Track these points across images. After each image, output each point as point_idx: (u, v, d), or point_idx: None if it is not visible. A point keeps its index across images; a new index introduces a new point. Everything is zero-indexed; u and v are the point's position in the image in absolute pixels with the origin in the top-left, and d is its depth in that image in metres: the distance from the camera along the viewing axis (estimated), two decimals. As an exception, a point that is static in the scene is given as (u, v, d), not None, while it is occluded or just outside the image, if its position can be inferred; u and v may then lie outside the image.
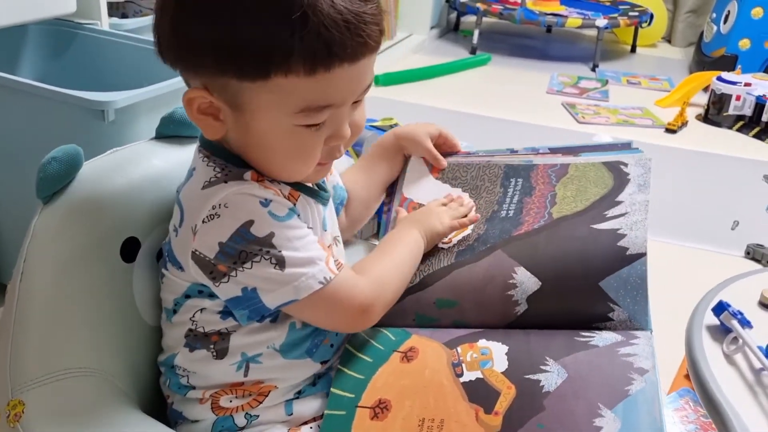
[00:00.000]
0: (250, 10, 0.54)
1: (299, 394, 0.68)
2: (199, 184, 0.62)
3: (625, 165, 0.77)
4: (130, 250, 0.69)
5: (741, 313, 0.75)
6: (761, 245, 1.62)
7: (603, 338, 0.65)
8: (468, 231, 0.77)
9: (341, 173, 0.84)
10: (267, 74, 0.55)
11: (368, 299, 0.65)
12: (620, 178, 0.76)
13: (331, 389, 0.66)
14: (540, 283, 0.68)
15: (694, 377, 0.71)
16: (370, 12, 0.57)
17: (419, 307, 0.71)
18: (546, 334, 0.66)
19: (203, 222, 0.60)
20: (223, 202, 0.60)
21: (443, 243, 0.77)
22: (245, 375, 0.66)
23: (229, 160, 0.63)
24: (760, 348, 0.72)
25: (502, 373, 0.63)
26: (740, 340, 0.73)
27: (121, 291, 0.68)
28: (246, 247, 0.59)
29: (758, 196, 1.98)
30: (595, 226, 0.70)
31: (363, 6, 0.56)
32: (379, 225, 0.86)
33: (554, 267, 0.69)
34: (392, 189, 0.87)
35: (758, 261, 1.60)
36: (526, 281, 0.68)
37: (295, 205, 0.63)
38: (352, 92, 0.60)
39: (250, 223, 0.59)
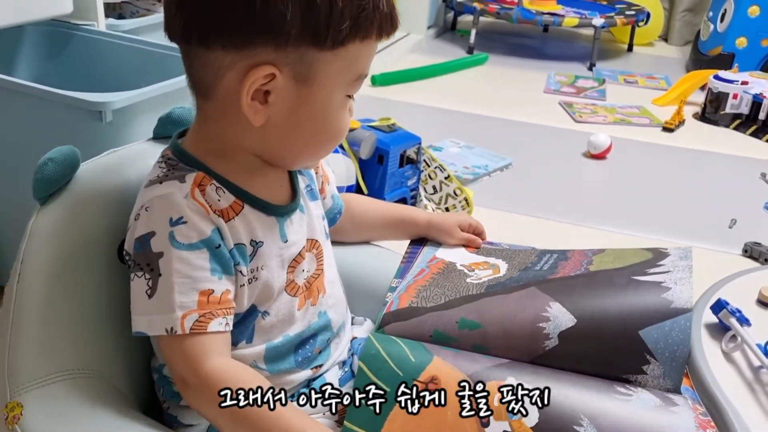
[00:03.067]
0: None
1: (292, 398, 0.68)
2: (145, 182, 0.63)
3: (665, 249, 0.75)
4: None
5: (740, 311, 0.76)
6: (759, 243, 1.62)
7: (641, 399, 0.61)
8: (500, 273, 0.75)
9: (339, 188, 0.85)
10: (348, 41, 0.59)
11: (189, 384, 0.60)
12: (661, 255, 0.73)
13: (345, 422, 0.61)
14: (575, 320, 0.64)
15: (693, 375, 0.71)
16: None
17: (440, 323, 0.67)
18: (579, 382, 0.62)
19: (134, 220, 0.62)
20: (147, 205, 0.61)
21: (472, 279, 0.74)
22: None
23: (185, 160, 0.63)
24: (758, 346, 0.72)
25: (532, 428, 0.58)
26: (739, 338, 0.73)
27: (118, 292, 0.67)
28: (138, 256, 0.61)
29: (755, 194, 1.98)
30: (636, 278, 0.67)
31: None
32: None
33: (592, 307, 0.65)
34: (416, 244, 0.86)
35: (756, 259, 1.60)
36: (560, 316, 0.64)
37: (229, 220, 0.62)
38: None
39: (153, 234, 0.60)
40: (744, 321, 0.75)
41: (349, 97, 0.65)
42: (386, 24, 0.63)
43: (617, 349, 0.63)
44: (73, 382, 0.62)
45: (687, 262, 0.69)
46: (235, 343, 0.64)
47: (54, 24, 1.28)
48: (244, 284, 0.63)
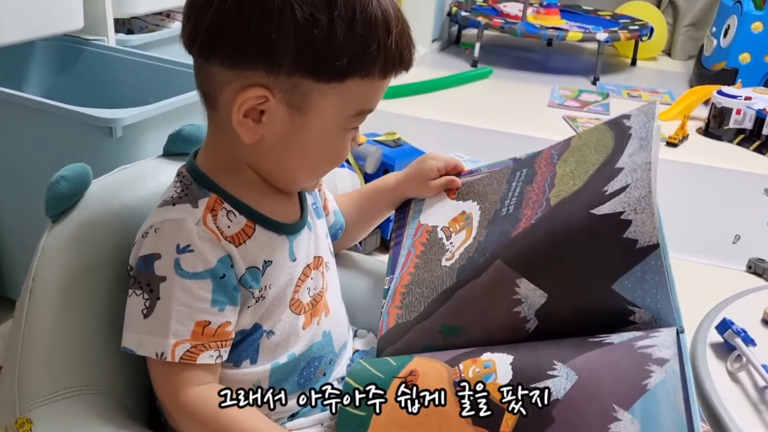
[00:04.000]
0: (344, 16, 0.56)
1: (294, 416, 0.68)
2: (159, 201, 0.64)
3: (628, 118, 0.68)
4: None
5: (744, 331, 0.76)
6: (763, 260, 1.63)
7: (619, 336, 0.58)
8: (470, 240, 0.73)
9: (336, 197, 0.84)
10: (346, 77, 0.58)
11: (169, 410, 0.63)
12: (621, 137, 0.66)
13: None
14: (546, 295, 0.61)
15: (699, 395, 0.71)
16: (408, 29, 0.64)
17: (426, 337, 0.67)
18: (558, 341, 0.60)
19: (141, 236, 0.62)
20: (157, 226, 0.61)
21: (446, 260, 0.73)
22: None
23: (199, 180, 0.64)
24: (764, 366, 0.72)
25: (505, 385, 0.57)
26: (744, 358, 0.73)
27: (128, 309, 0.68)
28: (140, 275, 0.61)
29: (759, 210, 1.98)
30: (594, 212, 0.60)
31: (404, 23, 0.62)
32: (385, 241, 0.84)
33: (559, 275, 0.61)
34: (402, 215, 0.84)
35: (760, 275, 1.60)
36: (531, 294, 0.62)
37: (240, 244, 0.62)
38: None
39: (158, 256, 0.60)
40: (749, 341, 0.76)
41: (353, 128, 0.64)
42: (393, 63, 0.61)
43: (598, 312, 0.60)
44: (82, 399, 0.63)
45: (648, 125, 0.64)
46: (237, 363, 0.65)
47: (64, 39, 1.29)
48: (251, 305, 0.64)
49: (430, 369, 0.61)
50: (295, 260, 0.68)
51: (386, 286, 0.77)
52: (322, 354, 0.70)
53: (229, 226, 0.62)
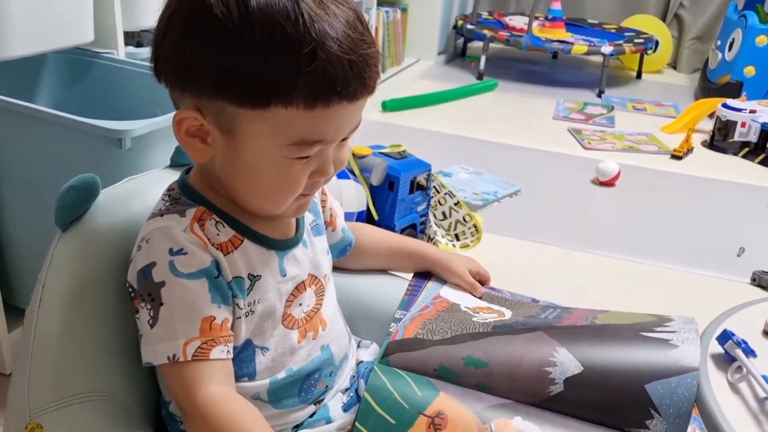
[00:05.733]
0: (260, 40, 0.54)
1: (298, 427, 0.69)
2: (149, 214, 0.64)
3: (668, 315, 0.73)
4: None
5: (745, 342, 0.76)
6: (767, 272, 1.63)
7: None
8: (506, 318, 0.74)
9: (352, 223, 0.85)
10: (267, 104, 0.56)
11: (186, 413, 0.60)
12: (664, 318, 0.71)
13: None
14: (582, 368, 0.63)
15: (700, 405, 0.72)
16: (373, 55, 0.58)
17: (445, 358, 0.67)
18: (582, 429, 0.62)
19: (136, 251, 0.62)
20: (147, 237, 0.62)
21: (477, 319, 0.74)
22: None
23: (188, 195, 0.65)
24: (764, 377, 0.72)
25: None
26: (744, 369, 0.74)
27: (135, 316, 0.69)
28: (141, 287, 0.61)
29: (764, 222, 1.98)
30: (643, 333, 0.66)
31: (367, 48, 0.58)
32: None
33: (599, 357, 0.64)
34: (421, 278, 0.85)
35: (764, 288, 1.60)
36: (567, 363, 0.64)
37: (228, 253, 0.62)
38: (344, 130, 0.61)
39: (154, 264, 0.60)
40: (750, 352, 0.76)
41: (303, 158, 0.60)
42: (322, 92, 0.56)
43: (622, 401, 0.62)
44: (91, 405, 0.63)
45: (692, 326, 0.69)
46: (237, 379, 0.64)
47: (75, 52, 1.31)
48: (240, 317, 0.64)
49: (459, 418, 0.61)
50: (285, 276, 0.67)
51: (397, 316, 0.77)
52: (322, 367, 0.70)
53: (218, 234, 0.63)
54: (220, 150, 0.61)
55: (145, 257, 0.61)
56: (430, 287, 0.84)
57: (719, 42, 3.08)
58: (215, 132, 0.60)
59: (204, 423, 0.58)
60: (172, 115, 1.03)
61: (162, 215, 0.63)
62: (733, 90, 2.83)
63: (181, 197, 0.65)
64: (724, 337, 0.78)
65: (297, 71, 0.54)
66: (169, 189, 0.67)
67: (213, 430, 0.58)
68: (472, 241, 1.69)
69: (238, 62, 0.55)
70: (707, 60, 3.20)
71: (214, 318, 0.60)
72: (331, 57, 0.55)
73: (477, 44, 3.51)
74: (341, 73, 0.56)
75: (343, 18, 0.56)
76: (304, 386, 0.68)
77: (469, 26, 3.29)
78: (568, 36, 3.25)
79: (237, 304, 0.63)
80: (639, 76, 3.49)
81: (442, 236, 1.67)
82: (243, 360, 0.65)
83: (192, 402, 0.59)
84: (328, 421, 0.70)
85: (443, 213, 1.73)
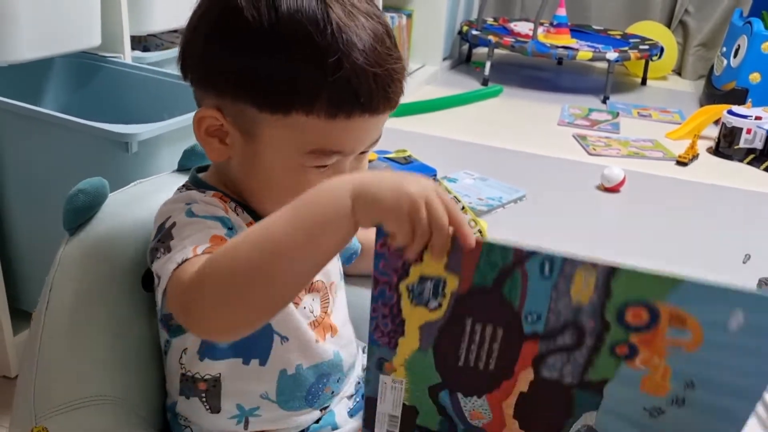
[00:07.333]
0: (287, 45, 0.55)
1: None
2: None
3: None
4: (151, 279, 0.70)
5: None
6: (773, 279, 1.62)
7: None
8: None
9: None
10: (288, 109, 0.56)
11: (185, 279, 0.52)
12: None
13: None
14: None
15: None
16: (398, 70, 0.58)
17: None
18: None
19: (154, 229, 0.62)
20: (162, 209, 0.62)
21: None
22: (246, 428, 0.66)
23: (204, 187, 0.65)
24: None
25: None
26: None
27: (142, 320, 0.69)
28: (158, 243, 0.58)
29: (770, 229, 1.98)
30: None
31: (393, 63, 0.58)
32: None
33: None
34: None
35: (770, 295, 1.59)
36: None
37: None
38: (363, 143, 0.61)
39: (169, 217, 0.60)
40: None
41: (321, 167, 0.59)
42: (344, 102, 0.55)
43: None
44: (97, 408, 0.64)
45: None
46: (247, 360, 0.63)
47: (82, 56, 1.31)
48: None
49: None
50: None
51: None
52: (331, 372, 0.70)
53: (237, 216, 0.63)
54: (238, 152, 0.61)
55: (160, 218, 0.61)
56: None
57: (724, 48, 3.08)
58: (235, 133, 0.60)
59: (203, 269, 0.51)
60: (178, 119, 1.05)
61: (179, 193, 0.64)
62: (739, 96, 2.83)
63: (194, 187, 0.65)
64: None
65: (321, 79, 0.54)
66: (184, 185, 0.67)
67: (212, 266, 0.51)
68: (476, 247, 1.68)
69: (262, 65, 0.55)
70: (712, 66, 3.20)
71: (224, 239, 0.57)
72: (356, 68, 0.55)
73: (482, 50, 3.51)
74: (365, 85, 0.55)
75: (371, 30, 0.57)
76: (312, 389, 0.68)
77: (474, 32, 3.30)
78: (573, 42, 3.26)
79: None
80: (644, 82, 3.49)
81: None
82: (261, 343, 0.64)
83: (192, 276, 0.51)
84: (335, 427, 0.70)
85: (448, 218, 1.72)
